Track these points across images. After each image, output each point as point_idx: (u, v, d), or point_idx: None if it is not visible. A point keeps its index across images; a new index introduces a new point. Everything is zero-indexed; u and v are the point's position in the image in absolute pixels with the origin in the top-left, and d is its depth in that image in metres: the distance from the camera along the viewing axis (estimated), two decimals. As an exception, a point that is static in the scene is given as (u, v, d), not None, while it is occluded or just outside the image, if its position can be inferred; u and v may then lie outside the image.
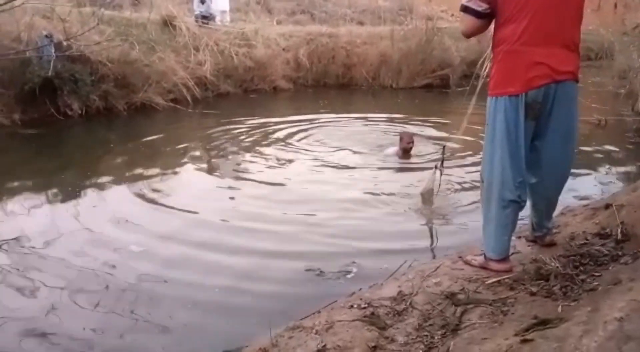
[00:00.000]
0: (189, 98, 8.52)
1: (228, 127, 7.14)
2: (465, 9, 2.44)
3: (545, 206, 2.70)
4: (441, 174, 3.99)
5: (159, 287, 2.93)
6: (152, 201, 4.28)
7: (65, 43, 7.05)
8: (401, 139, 5.46)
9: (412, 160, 5.37)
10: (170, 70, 8.49)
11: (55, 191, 4.61)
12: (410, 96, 10.15)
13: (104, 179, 4.93)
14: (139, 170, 5.17)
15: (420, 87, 10.66)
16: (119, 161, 5.73)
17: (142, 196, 4.38)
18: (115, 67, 7.66)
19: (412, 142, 5.42)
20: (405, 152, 5.42)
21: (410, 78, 10.70)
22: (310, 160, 5.47)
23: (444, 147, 4.08)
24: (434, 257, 3.17)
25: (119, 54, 7.75)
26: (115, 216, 3.93)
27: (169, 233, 3.65)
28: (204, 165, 5.41)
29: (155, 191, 4.54)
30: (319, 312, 2.42)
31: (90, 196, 4.49)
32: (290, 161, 5.49)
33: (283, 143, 6.24)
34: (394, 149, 5.60)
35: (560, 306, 2.01)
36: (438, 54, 10.67)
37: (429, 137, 6.47)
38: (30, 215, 4.00)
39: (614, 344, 1.47)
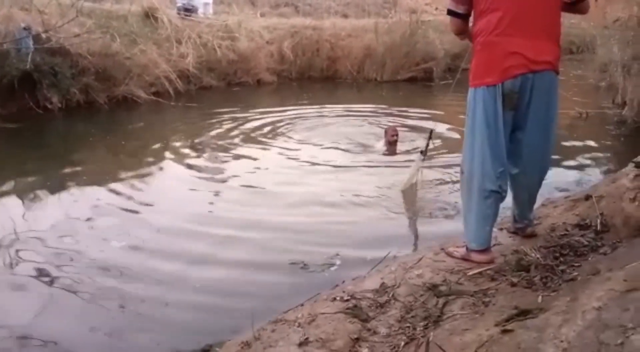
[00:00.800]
0: (171, 91, 8.44)
1: (210, 120, 7.09)
2: (448, 12, 2.57)
3: (526, 197, 2.71)
4: (423, 159, 3.97)
5: (139, 283, 2.90)
6: (133, 196, 4.23)
7: (44, 35, 6.94)
8: (385, 133, 5.48)
9: (397, 157, 5.38)
10: (152, 63, 8.39)
11: (34, 185, 4.53)
12: (394, 89, 10.17)
13: (84, 174, 4.88)
14: (120, 165, 5.13)
15: (404, 80, 10.68)
16: (100, 155, 5.66)
17: (121, 190, 4.33)
18: (95, 60, 7.54)
19: (397, 135, 5.43)
20: (390, 145, 5.43)
21: (394, 71, 10.71)
22: (292, 154, 5.45)
23: (431, 131, 4.02)
24: (417, 249, 3.18)
25: (99, 47, 7.64)
26: (95, 210, 3.89)
27: (151, 228, 3.61)
28: (185, 160, 5.35)
29: (135, 185, 4.50)
30: (302, 305, 2.42)
31: (70, 190, 4.43)
32: (272, 155, 5.47)
33: (266, 138, 6.22)
34: (379, 143, 5.63)
35: (540, 296, 2.02)
36: (422, 47, 10.69)
37: (413, 128, 6.50)
38: (7, 209, 3.93)
39: (592, 333, 1.48)
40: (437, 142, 5.52)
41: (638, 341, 1.35)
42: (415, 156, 4.09)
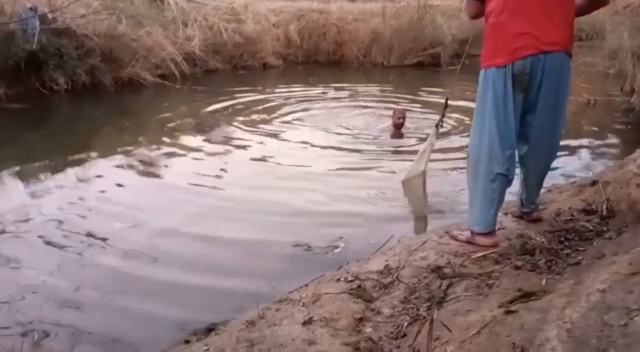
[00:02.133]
0: (177, 74, 8.42)
1: (216, 104, 7.07)
2: None
3: (534, 180, 2.70)
4: (438, 132, 3.84)
5: (145, 264, 2.92)
6: (137, 178, 4.25)
7: (50, 15, 6.91)
8: (393, 115, 5.47)
9: (404, 141, 5.35)
10: (158, 45, 8.36)
11: (38, 166, 4.55)
12: (401, 74, 10.10)
13: (89, 155, 4.89)
14: (125, 147, 5.12)
15: (411, 65, 10.61)
16: (105, 137, 5.68)
17: (127, 173, 4.35)
18: (101, 41, 7.53)
19: (404, 117, 5.41)
20: (397, 128, 5.41)
21: (401, 56, 10.63)
22: (299, 139, 5.43)
23: (446, 99, 3.81)
24: (422, 232, 3.18)
25: (105, 28, 7.61)
26: (98, 192, 3.91)
27: (153, 210, 3.63)
28: (191, 142, 5.36)
29: (140, 167, 4.51)
30: (307, 285, 2.43)
31: (73, 171, 4.44)
32: (278, 139, 5.45)
33: (272, 121, 6.20)
34: (385, 125, 5.61)
35: (544, 279, 2.03)
36: (429, 31, 10.58)
37: (420, 111, 6.48)
38: (12, 188, 3.96)
39: (596, 314, 1.49)
40: (447, 126, 5.50)
41: (641, 323, 1.35)
42: (430, 131, 3.98)
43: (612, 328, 1.38)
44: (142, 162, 4.64)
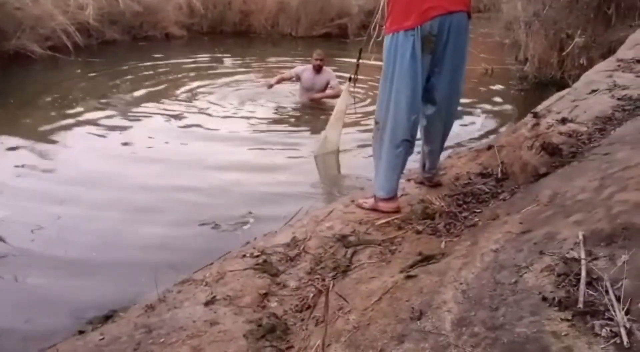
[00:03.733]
0: (69, 46, 7.78)
1: (115, 77, 6.64)
2: None
3: (437, 143, 2.75)
4: (353, 87, 3.68)
5: (41, 249, 2.72)
6: (29, 159, 3.90)
7: None
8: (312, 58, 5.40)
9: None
10: (47, 14, 7.67)
11: None
12: (309, 45, 9.98)
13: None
14: (13, 127, 4.67)
15: (319, 36, 10.54)
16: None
17: (20, 153, 3.98)
18: (-22, 9, 6.77)
19: (322, 59, 5.34)
20: (317, 71, 5.34)
21: (309, 27, 10.54)
22: (206, 114, 5.23)
23: (360, 50, 3.27)
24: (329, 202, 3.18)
25: (-16, -5, 6.86)
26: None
27: (45, 193, 3.37)
28: (87, 119, 4.98)
29: (33, 150, 4.14)
30: (211, 264, 2.35)
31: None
32: (183, 114, 5.22)
33: (177, 95, 5.92)
34: (302, 68, 5.50)
35: (443, 242, 2.08)
36: (336, 2, 10.57)
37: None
38: None
39: (489, 274, 1.53)
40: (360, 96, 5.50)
41: (530, 279, 1.41)
42: (344, 86, 3.85)
43: (504, 286, 1.42)
44: (34, 145, 4.24)
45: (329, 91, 5.31)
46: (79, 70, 7.26)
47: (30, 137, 4.40)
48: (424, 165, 2.90)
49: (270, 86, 5.50)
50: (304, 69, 5.45)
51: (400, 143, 2.50)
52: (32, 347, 2.02)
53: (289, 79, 5.61)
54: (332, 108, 5.10)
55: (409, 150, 2.57)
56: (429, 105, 2.60)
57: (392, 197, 2.56)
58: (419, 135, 2.63)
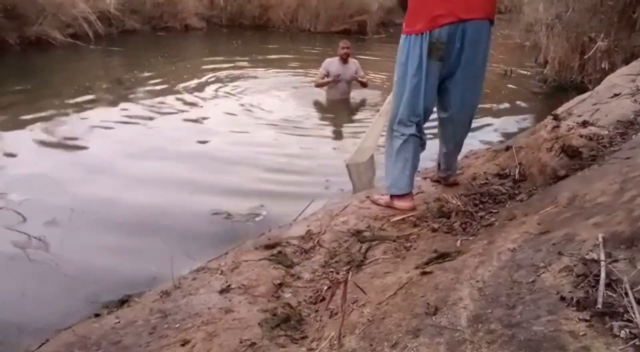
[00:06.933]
0: (90, 34, 7.88)
1: (134, 66, 6.68)
2: None
3: (452, 146, 2.74)
4: None
5: (55, 234, 2.74)
6: (49, 144, 3.96)
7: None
8: (338, 47, 5.41)
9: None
10: (69, 2, 7.79)
11: None
12: (327, 41, 10.00)
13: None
14: (33, 112, 4.73)
15: (338, 32, 10.54)
16: (11, 101, 5.21)
17: (39, 138, 4.04)
18: (3, -5, 6.87)
19: (348, 47, 5.34)
20: (343, 60, 5.34)
21: (328, 22, 10.55)
22: (227, 105, 5.26)
23: None
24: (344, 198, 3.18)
25: (6, -19, 6.94)
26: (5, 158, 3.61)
27: (65, 177, 3.41)
28: (107, 107, 5.03)
29: (51, 133, 4.20)
30: (226, 254, 2.37)
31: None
32: (200, 104, 5.26)
33: (194, 85, 5.96)
34: (329, 61, 5.50)
35: (459, 241, 2.07)
36: (356, -1, 10.55)
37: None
38: None
39: (506, 273, 1.53)
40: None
41: (548, 279, 1.40)
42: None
43: (521, 285, 1.42)
44: (53, 128, 4.31)
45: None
46: (98, 58, 7.34)
47: (49, 120, 4.47)
48: (439, 165, 2.89)
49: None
50: (330, 62, 5.45)
51: (408, 137, 2.49)
52: (48, 329, 2.06)
53: (323, 79, 5.49)
54: (358, 106, 5.12)
55: (419, 146, 2.55)
56: (443, 109, 2.59)
57: (406, 195, 2.55)
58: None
